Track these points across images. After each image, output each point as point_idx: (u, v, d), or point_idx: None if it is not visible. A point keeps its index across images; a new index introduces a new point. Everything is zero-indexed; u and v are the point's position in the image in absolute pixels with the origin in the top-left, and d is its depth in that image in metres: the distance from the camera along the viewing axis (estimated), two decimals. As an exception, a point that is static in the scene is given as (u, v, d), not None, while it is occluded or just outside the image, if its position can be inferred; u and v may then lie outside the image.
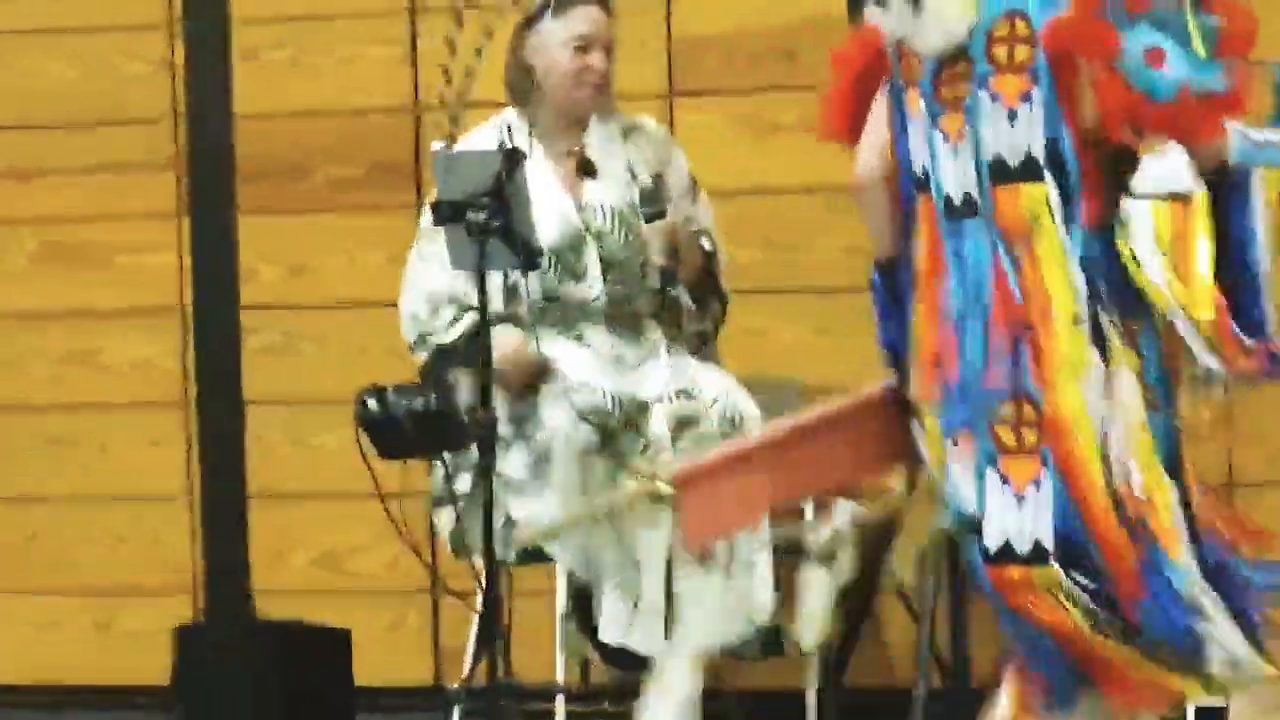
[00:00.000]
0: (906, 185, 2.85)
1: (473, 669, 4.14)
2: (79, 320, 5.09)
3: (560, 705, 4.44)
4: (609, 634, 4.05)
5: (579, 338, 4.19)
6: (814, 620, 3.21)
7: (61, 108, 5.09)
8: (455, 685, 4.33)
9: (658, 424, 4.04)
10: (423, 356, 4.14)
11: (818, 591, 3.17)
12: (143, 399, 5.06)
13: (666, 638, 4.06)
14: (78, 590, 5.07)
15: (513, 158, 3.83)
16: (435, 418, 3.88)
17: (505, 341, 4.03)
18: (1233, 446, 4.44)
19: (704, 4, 4.82)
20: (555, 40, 4.08)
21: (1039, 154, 2.68)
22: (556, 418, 4.02)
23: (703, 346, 4.32)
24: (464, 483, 4.11)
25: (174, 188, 5.00)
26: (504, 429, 4.08)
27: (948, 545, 3.62)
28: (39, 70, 5.13)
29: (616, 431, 4.04)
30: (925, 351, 2.85)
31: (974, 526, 2.79)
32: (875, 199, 2.97)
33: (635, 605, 4.09)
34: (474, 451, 3.91)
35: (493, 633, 3.92)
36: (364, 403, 3.89)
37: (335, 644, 4.52)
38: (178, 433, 5.00)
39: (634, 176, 4.25)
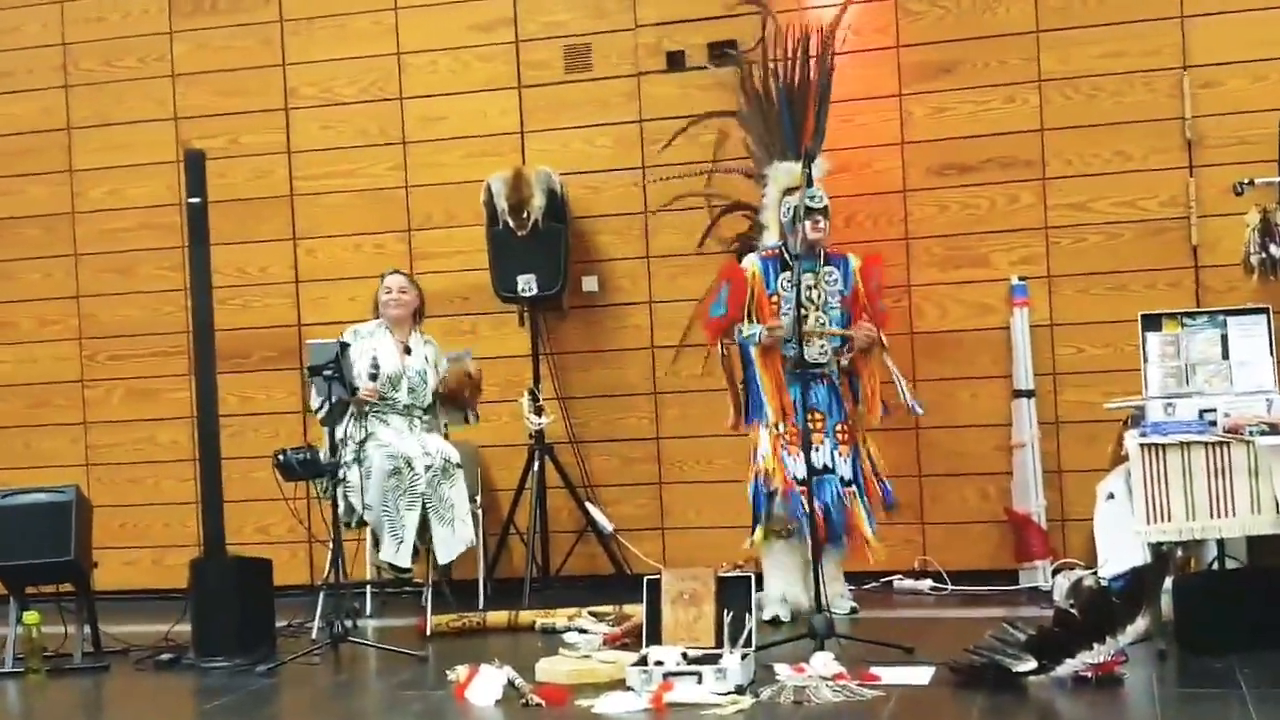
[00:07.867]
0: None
1: (327, 575, 6.21)
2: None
3: (369, 591, 6.95)
4: (386, 556, 6.48)
5: (386, 421, 6.74)
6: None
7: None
8: (319, 583, 6.56)
9: (417, 464, 6.47)
10: (321, 424, 6.43)
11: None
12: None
13: (414, 560, 6.34)
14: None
15: (344, 346, 6.26)
16: (310, 461, 6.17)
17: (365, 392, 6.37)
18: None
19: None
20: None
21: None
22: (374, 456, 6.46)
23: (437, 427, 6.88)
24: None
25: None
26: (349, 459, 6.33)
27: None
28: None
29: (400, 467, 6.47)
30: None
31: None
32: None
33: (399, 542, 6.40)
34: (330, 475, 6.19)
35: (338, 557, 5.99)
36: (276, 456, 6.18)
37: (265, 567, 6.35)
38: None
39: (426, 360, 6.78)
